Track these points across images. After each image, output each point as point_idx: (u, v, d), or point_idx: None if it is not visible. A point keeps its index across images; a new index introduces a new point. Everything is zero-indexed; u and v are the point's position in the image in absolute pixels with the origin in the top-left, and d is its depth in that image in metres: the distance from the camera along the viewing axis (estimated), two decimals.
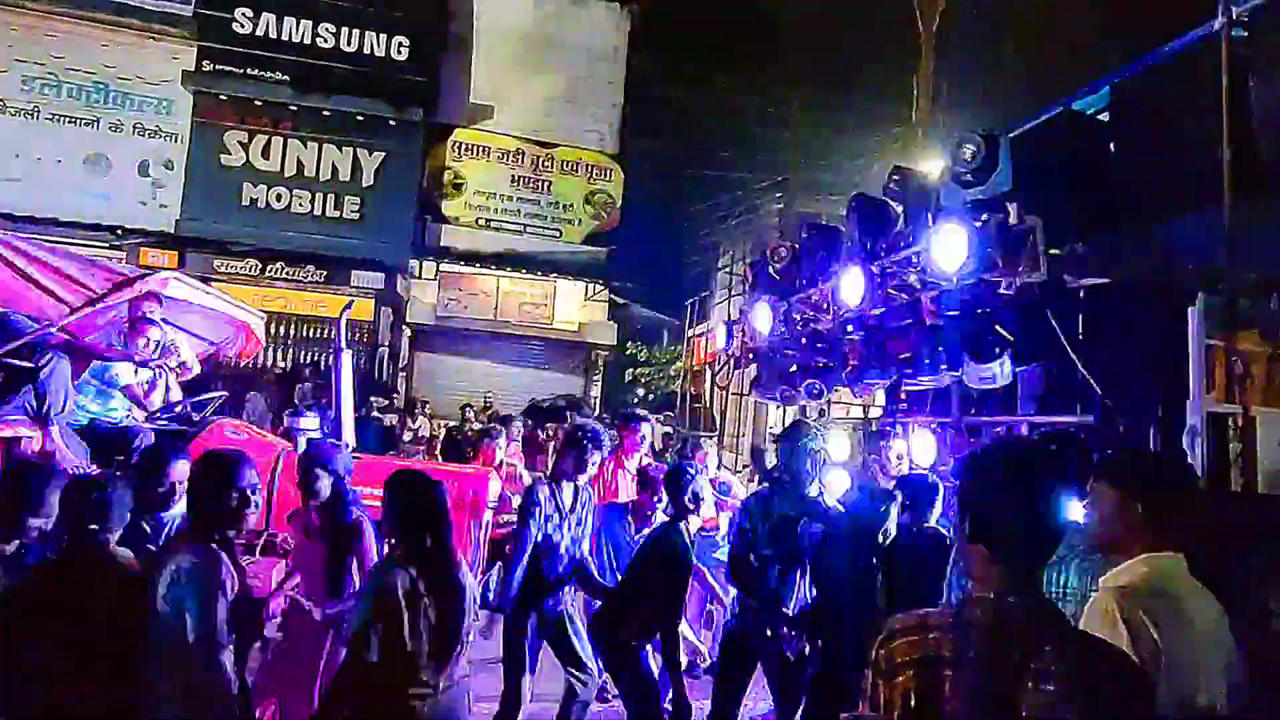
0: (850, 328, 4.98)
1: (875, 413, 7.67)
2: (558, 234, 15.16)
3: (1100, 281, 3.94)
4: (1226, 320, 3.74)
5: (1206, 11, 3.80)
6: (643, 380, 18.14)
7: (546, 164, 15.11)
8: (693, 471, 4.03)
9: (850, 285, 4.52)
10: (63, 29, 13.18)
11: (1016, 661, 1.25)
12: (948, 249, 3.63)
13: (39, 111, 13.13)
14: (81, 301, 4.65)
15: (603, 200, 15.28)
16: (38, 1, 12.90)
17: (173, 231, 13.30)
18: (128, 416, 4.99)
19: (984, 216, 3.56)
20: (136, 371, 5.09)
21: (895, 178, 4.48)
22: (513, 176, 14.97)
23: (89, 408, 4.82)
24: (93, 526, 2.47)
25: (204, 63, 13.59)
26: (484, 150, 14.88)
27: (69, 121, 13.25)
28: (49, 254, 4.73)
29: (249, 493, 2.59)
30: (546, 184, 15.11)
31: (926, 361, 4.33)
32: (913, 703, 1.32)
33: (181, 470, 3.05)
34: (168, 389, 5.33)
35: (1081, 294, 4.13)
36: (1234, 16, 3.75)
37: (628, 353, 17.43)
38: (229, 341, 6.22)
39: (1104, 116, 4.85)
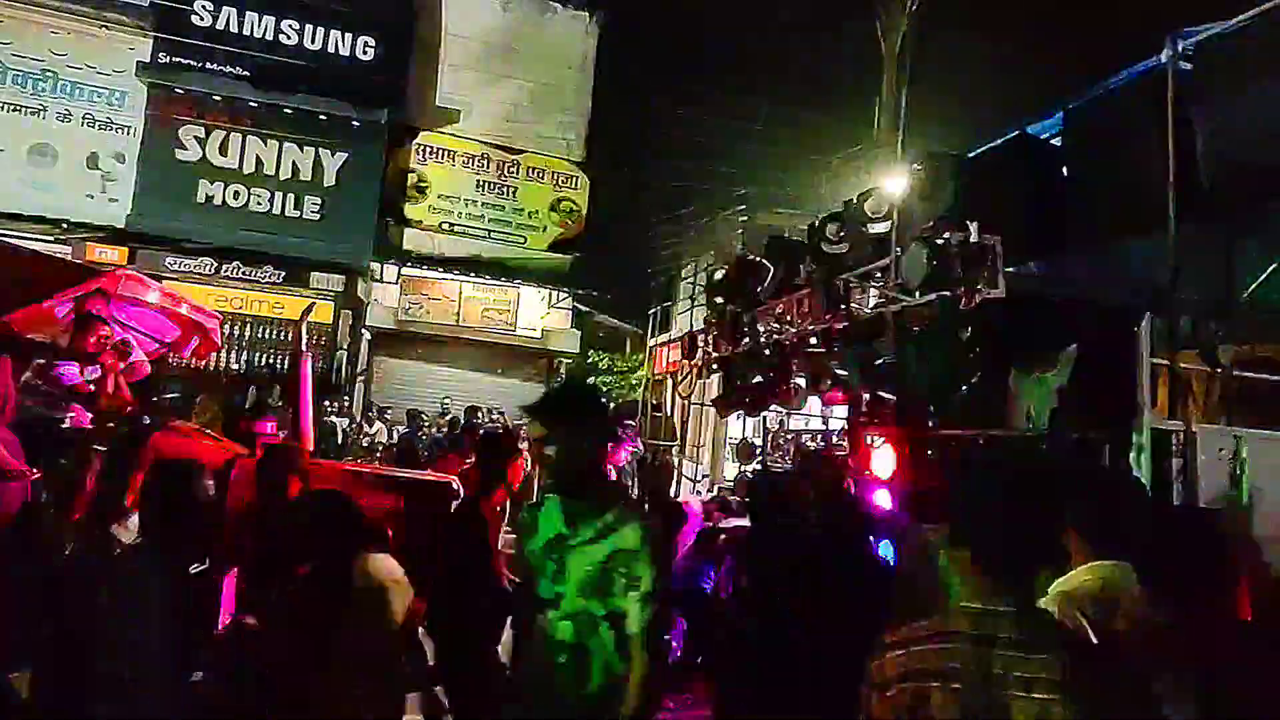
0: (814, 340, 5.06)
1: (836, 425, 7.79)
2: (522, 240, 15.08)
3: (1053, 300, 4.08)
4: (1169, 340, 3.89)
5: (1155, 44, 3.98)
6: (604, 389, 18.11)
7: (512, 170, 15.04)
8: None
9: (814, 299, 4.60)
10: (9, 14, 12.73)
11: (1002, 671, 1.26)
12: (911, 265, 3.73)
13: None
14: (26, 296, 4.50)
15: (568, 208, 15.26)
16: None
17: (122, 227, 12.90)
18: (74, 418, 4.83)
19: (946, 234, 3.67)
20: (83, 371, 4.93)
21: (861, 195, 4.59)
22: (478, 181, 14.87)
23: (32, 408, 4.64)
24: None
25: (160, 55, 13.24)
26: (449, 154, 14.75)
27: (14, 110, 12.79)
28: None
29: (204, 503, 2.56)
30: (512, 190, 15.04)
31: (886, 374, 4.43)
32: (905, 717, 1.31)
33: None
34: (117, 389, 5.17)
35: (1035, 312, 4.27)
36: (1180, 50, 3.93)
37: (589, 361, 17.40)
38: (182, 342, 6.07)
39: (1058, 141, 5.04)
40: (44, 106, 12.93)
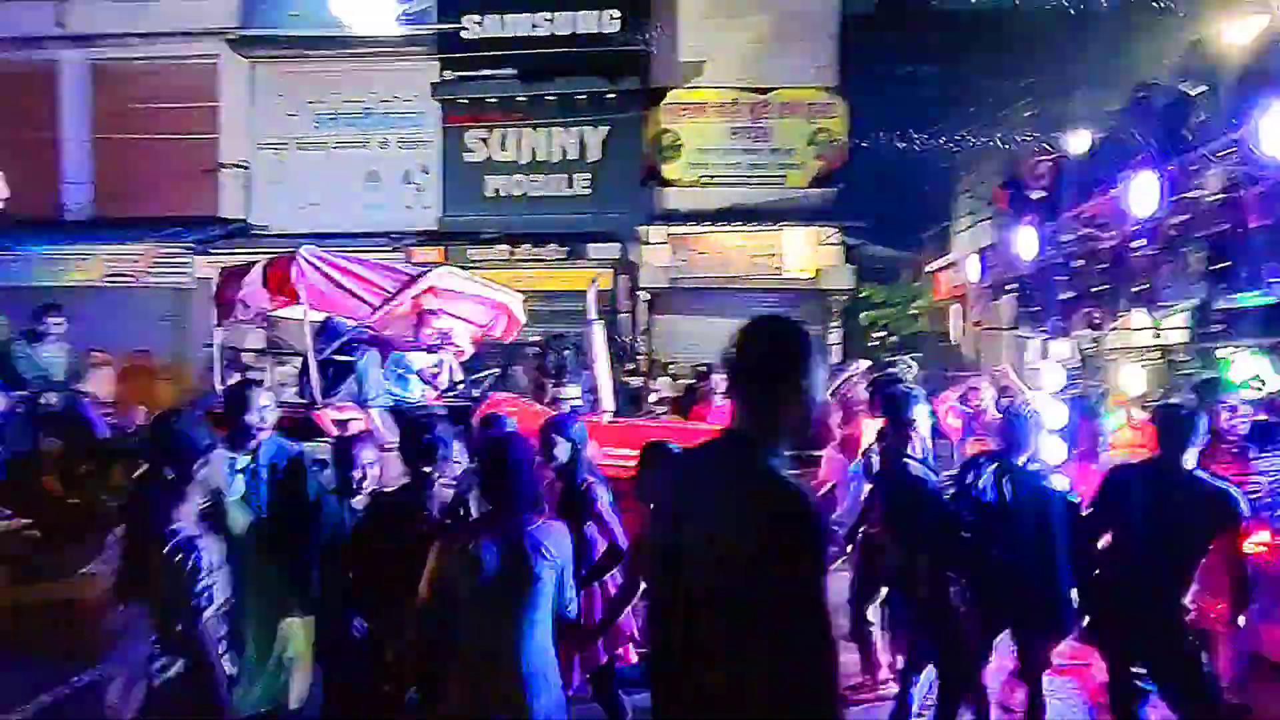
0: (1141, 241, 4.27)
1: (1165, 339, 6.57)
2: (782, 181, 14.76)
3: None
4: None
5: None
6: (881, 323, 17.23)
7: (764, 110, 14.71)
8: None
9: (1140, 192, 3.87)
10: (335, 69, 15.26)
11: None
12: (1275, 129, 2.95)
13: (327, 143, 15.39)
14: (380, 301, 5.41)
15: (826, 138, 14.57)
16: (316, 49, 15.01)
17: (435, 229, 14.96)
18: (421, 397, 5.74)
19: None
20: (426, 357, 5.84)
21: (1194, 54, 3.72)
22: (730, 129, 14.79)
23: (393, 391, 5.60)
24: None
25: (445, 73, 14.97)
26: (699, 107, 14.84)
27: (351, 146, 15.37)
28: (353, 263, 5.54)
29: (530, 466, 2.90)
30: (766, 131, 14.73)
31: (1251, 272, 3.59)
32: None
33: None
34: (451, 370, 6.04)
35: None
36: None
37: (862, 295, 16.59)
38: (494, 323, 6.90)
39: None
40: (368, 139, 15.38)
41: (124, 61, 15.65)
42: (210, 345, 5.98)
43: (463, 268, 10.62)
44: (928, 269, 16.66)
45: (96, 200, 15.87)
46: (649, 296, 14.86)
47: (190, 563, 2.50)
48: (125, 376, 9.97)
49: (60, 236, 14.90)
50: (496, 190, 15.04)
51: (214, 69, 15.56)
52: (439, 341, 5.85)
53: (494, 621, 2.61)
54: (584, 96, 14.54)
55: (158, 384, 10.34)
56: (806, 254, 14.69)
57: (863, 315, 16.62)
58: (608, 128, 14.67)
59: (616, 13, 14.55)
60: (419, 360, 5.77)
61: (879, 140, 13.81)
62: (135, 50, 15.52)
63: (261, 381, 4.84)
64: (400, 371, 5.66)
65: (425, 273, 5.67)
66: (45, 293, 10.16)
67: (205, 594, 2.52)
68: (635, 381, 11.23)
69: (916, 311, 17.14)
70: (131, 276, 15.09)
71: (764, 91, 14.63)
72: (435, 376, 5.85)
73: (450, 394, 5.82)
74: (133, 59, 15.60)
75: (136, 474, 2.81)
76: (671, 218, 14.79)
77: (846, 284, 14.78)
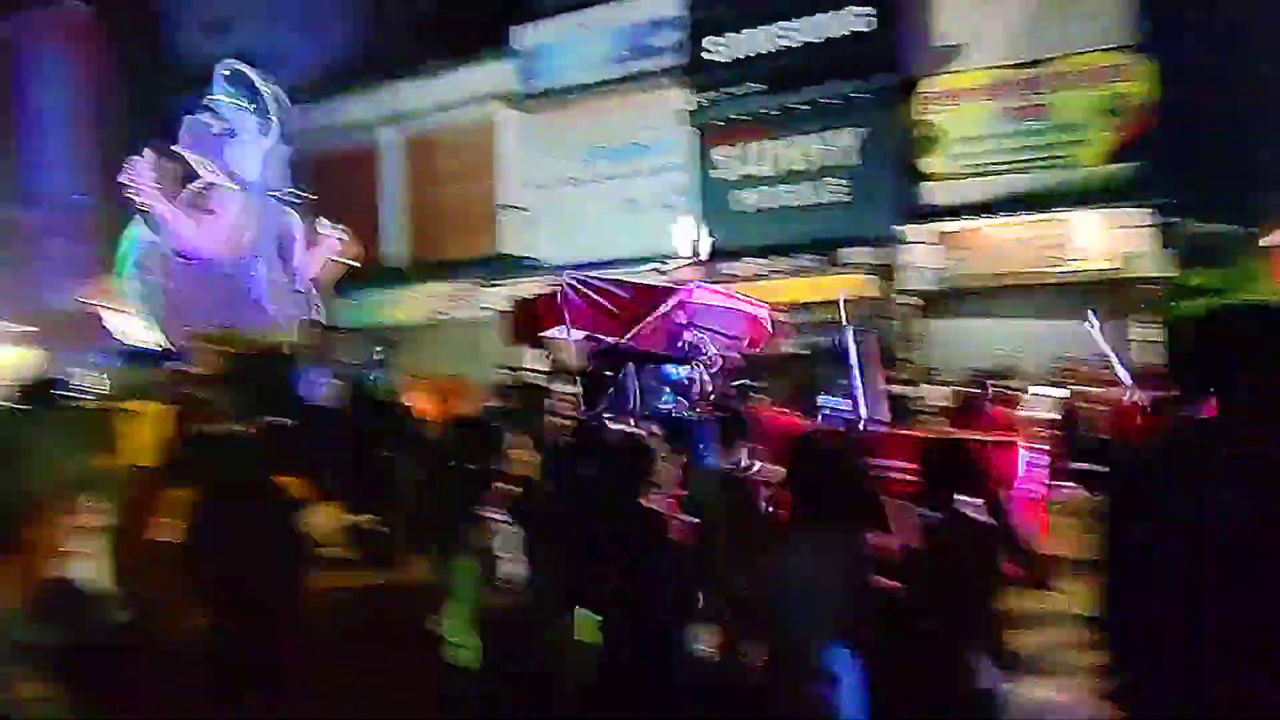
0: None
1: None
2: (1066, 161, 13.02)
3: None
4: None
5: None
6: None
7: (1037, 85, 13.12)
8: None
9: None
10: (594, 109, 16.53)
11: None
12: None
13: (595, 179, 16.66)
14: (637, 318, 5.68)
15: (1125, 105, 12.56)
16: (575, 95, 16.45)
17: (693, 248, 15.40)
18: (676, 406, 5.90)
19: None
20: (680, 369, 5.99)
21: None
22: (999, 111, 13.40)
23: (651, 402, 5.83)
24: None
25: (696, 99, 15.45)
26: (958, 94, 13.67)
27: (613, 180, 16.50)
28: (613, 285, 5.92)
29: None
30: (1042, 108, 13.12)
31: None
32: None
33: None
34: (703, 381, 6.14)
35: None
36: None
37: (1178, 282, 13.98)
38: (745, 334, 6.93)
39: None
40: (629, 170, 16.36)
41: (426, 131, 18.47)
42: (501, 367, 6.73)
43: (719, 284, 10.79)
44: (1263, 243, 13.60)
45: (411, 251, 18.87)
46: (919, 300, 13.89)
47: (492, 541, 2.89)
48: (436, 396, 11.62)
49: (386, 283, 17.80)
50: (749, 205, 15.12)
51: (492, 125, 17.71)
52: (691, 354, 5.99)
53: (812, 623, 2.79)
54: (835, 100, 14.13)
55: (461, 401, 11.86)
56: (1106, 240, 12.71)
57: (1186, 306, 13.96)
58: (859, 129, 14.09)
59: (861, 9, 13.99)
60: (674, 372, 5.96)
61: (1195, 99, 11.64)
62: (434, 120, 18.24)
63: (551, 393, 5.34)
64: (655, 383, 5.88)
65: (677, 290, 5.86)
66: (378, 331, 12.14)
67: (503, 568, 2.87)
68: (904, 390, 10.53)
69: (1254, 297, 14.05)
70: (439, 312, 17.58)
71: (1036, 65, 13.05)
72: (689, 387, 6.00)
73: (703, 403, 5.92)
74: (432, 128, 18.35)
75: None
76: (937, 215, 13.74)
77: (1160, 269, 12.56)
